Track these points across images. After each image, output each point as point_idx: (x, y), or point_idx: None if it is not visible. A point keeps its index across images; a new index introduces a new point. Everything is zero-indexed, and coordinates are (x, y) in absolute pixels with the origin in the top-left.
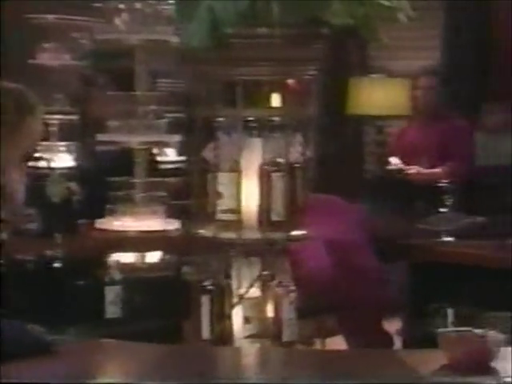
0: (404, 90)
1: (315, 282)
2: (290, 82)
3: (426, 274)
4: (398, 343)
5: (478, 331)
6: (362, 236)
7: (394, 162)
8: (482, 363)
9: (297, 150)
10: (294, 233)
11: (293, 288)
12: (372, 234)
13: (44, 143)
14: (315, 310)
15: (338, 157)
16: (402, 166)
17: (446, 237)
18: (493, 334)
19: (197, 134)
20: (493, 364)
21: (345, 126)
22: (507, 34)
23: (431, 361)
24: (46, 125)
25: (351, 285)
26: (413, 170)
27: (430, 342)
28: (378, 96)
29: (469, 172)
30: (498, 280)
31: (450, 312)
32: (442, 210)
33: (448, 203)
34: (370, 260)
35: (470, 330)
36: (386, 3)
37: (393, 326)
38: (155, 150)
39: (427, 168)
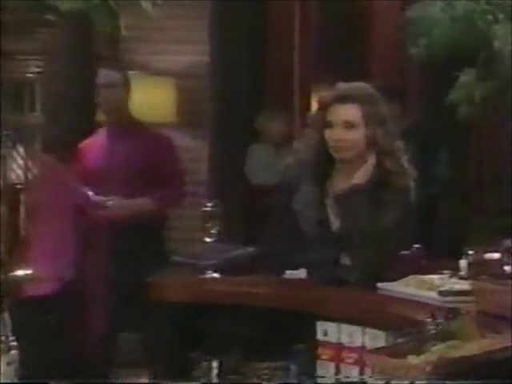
0: (169, 91)
1: None
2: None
3: (185, 318)
4: None
5: None
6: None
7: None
8: None
9: (19, 167)
10: (18, 273)
11: (14, 344)
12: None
13: None
14: None
15: None
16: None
17: (211, 272)
18: None
19: None
20: None
21: None
22: (282, 34)
23: None
24: None
25: None
26: (110, 202)
27: None
28: (137, 99)
29: (182, 198)
30: (275, 322)
31: (214, 363)
32: (206, 239)
33: (214, 231)
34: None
35: None
36: None
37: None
38: None
39: (126, 196)
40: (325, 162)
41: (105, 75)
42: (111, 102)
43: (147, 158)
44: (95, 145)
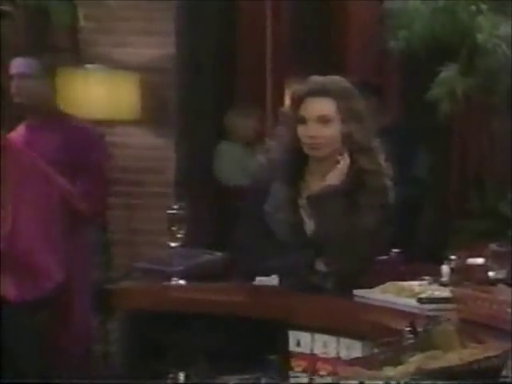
0: (133, 85)
1: None
2: None
3: (150, 327)
4: None
5: None
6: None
7: None
8: None
9: None
10: None
11: None
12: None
13: None
14: None
15: None
16: None
17: (177, 279)
18: None
19: None
20: None
21: None
22: (254, 26)
23: None
24: None
25: None
26: None
27: None
28: (98, 94)
29: (107, 196)
30: (245, 332)
31: (181, 376)
32: (172, 244)
33: (180, 235)
34: None
35: None
36: None
37: None
38: None
39: None
40: (298, 161)
41: (19, 65)
42: (26, 95)
43: (68, 153)
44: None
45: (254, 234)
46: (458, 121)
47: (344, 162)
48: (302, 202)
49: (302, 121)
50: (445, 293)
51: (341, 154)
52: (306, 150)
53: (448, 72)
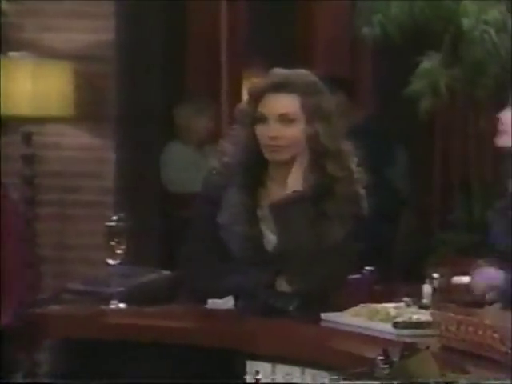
0: (64, 77)
1: None
2: None
3: (86, 358)
4: None
5: None
6: None
7: None
8: None
9: None
10: None
11: None
12: None
13: None
14: None
15: None
16: None
17: (116, 302)
18: None
19: None
20: None
21: None
22: (207, 8)
23: None
24: None
25: None
26: None
27: None
28: (24, 86)
29: None
30: (195, 362)
31: None
32: (110, 261)
33: (120, 251)
34: None
35: None
36: None
37: None
38: None
39: None
40: (256, 165)
41: None
42: None
43: None
44: None
45: (206, 250)
46: (440, 118)
47: (301, 162)
48: (262, 212)
49: (262, 119)
50: (424, 316)
51: (306, 158)
52: (265, 152)
53: (429, 62)
